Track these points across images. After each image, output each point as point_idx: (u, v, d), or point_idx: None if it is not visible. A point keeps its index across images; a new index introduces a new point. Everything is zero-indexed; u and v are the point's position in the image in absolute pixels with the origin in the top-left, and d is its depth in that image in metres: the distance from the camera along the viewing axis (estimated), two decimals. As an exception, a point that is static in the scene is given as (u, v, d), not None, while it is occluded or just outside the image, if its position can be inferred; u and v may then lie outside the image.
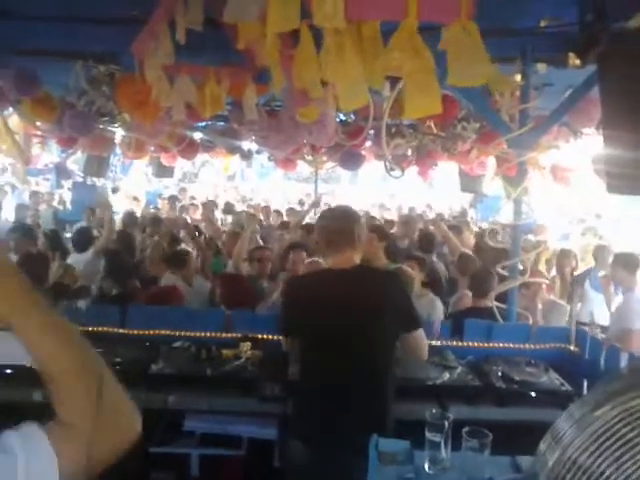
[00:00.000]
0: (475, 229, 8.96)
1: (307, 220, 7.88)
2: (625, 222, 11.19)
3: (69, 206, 11.44)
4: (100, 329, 3.61)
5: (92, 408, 0.99)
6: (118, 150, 8.08)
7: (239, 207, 12.19)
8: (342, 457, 2.34)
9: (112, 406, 1.02)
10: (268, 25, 2.37)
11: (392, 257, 4.95)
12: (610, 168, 2.55)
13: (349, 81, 2.46)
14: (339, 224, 2.62)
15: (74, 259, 5.90)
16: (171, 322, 3.63)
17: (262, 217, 9.96)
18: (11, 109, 5.70)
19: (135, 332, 3.62)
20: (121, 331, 3.63)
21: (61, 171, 11.48)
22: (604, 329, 4.53)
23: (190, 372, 3.16)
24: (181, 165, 12.80)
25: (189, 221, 9.03)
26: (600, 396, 1.31)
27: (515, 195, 3.90)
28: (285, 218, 10.03)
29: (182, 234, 7.30)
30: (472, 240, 7.24)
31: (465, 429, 1.79)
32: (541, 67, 3.98)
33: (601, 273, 5.70)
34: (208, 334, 3.60)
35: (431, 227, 7.71)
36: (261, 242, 6.72)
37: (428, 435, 1.86)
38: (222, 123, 6.96)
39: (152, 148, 7.83)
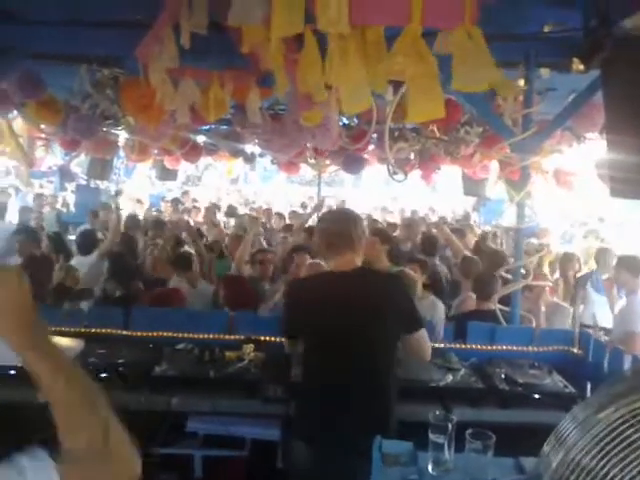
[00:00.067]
0: (478, 232, 8.95)
1: (310, 223, 7.88)
2: (628, 226, 11.18)
3: (72, 209, 11.46)
4: (103, 331, 3.62)
5: (95, 448, 1.01)
6: (122, 153, 8.11)
7: (242, 210, 12.19)
8: (345, 458, 2.34)
9: (115, 451, 1.04)
10: (272, 29, 2.39)
11: (395, 260, 4.95)
12: (613, 172, 2.56)
13: (352, 85, 2.48)
14: (339, 226, 2.62)
15: (78, 261, 5.92)
16: (174, 324, 3.64)
17: (264, 220, 9.96)
18: (15, 112, 5.74)
19: (138, 334, 3.63)
20: (124, 333, 3.63)
21: (65, 174, 11.52)
22: (607, 332, 4.52)
23: (193, 374, 3.17)
24: (184, 168, 12.81)
25: (192, 224, 9.04)
26: (604, 398, 1.32)
27: (518, 199, 3.91)
28: (288, 221, 10.04)
29: (184, 236, 7.32)
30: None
31: (468, 431, 1.80)
32: (544, 72, 3.98)
33: (604, 276, 5.70)
34: (211, 336, 3.61)
35: (434, 230, 7.72)
36: (265, 244, 6.72)
37: (432, 437, 1.87)
38: (225, 126, 6.98)
39: (155, 151, 7.86)
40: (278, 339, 3.46)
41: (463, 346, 3.56)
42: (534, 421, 2.81)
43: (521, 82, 3.93)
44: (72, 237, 8.59)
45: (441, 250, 6.72)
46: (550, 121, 4.01)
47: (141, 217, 9.84)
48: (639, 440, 1.15)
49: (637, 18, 2.46)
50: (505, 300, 4.02)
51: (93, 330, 3.63)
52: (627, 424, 1.19)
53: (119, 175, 11.68)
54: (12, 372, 3.01)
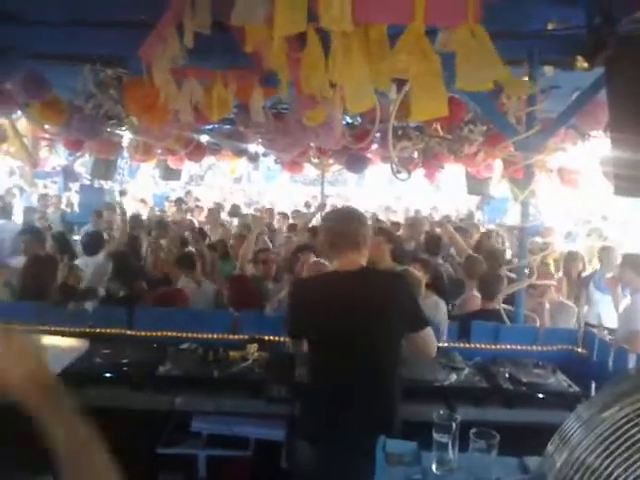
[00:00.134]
0: (483, 231, 8.94)
1: (313, 223, 7.88)
2: (632, 224, 11.14)
3: (76, 209, 11.50)
4: (108, 331, 3.63)
5: None
6: (125, 153, 8.12)
7: (246, 210, 12.21)
8: (349, 457, 2.34)
9: None
10: (275, 28, 2.39)
11: (398, 259, 4.95)
12: (618, 170, 2.55)
13: (356, 83, 2.48)
14: (344, 226, 2.61)
15: (84, 262, 5.95)
16: (178, 324, 3.65)
17: (267, 220, 9.97)
18: (20, 112, 5.75)
19: (142, 334, 3.63)
20: (129, 333, 3.64)
21: (69, 174, 11.56)
22: (612, 331, 4.52)
23: (197, 374, 3.17)
24: (188, 168, 12.84)
25: (196, 223, 9.06)
26: (608, 397, 1.31)
27: (522, 197, 3.90)
28: (291, 220, 10.05)
29: (186, 235, 7.35)
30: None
31: (472, 430, 1.79)
32: (548, 70, 3.97)
33: (609, 275, 5.69)
34: (215, 336, 3.61)
35: (438, 229, 7.71)
36: (269, 244, 6.74)
37: (436, 436, 1.86)
38: (229, 126, 6.98)
39: (159, 151, 7.87)
40: (282, 339, 3.47)
41: (467, 345, 3.55)
42: (538, 420, 2.80)
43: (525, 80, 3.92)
44: (76, 237, 8.63)
45: (445, 249, 6.72)
46: (554, 119, 3.99)
47: (145, 217, 9.88)
48: (644, 439, 1.15)
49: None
50: (510, 299, 4.01)
51: (97, 330, 3.64)
52: (632, 423, 1.18)
53: (123, 175, 11.71)
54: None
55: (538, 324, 3.93)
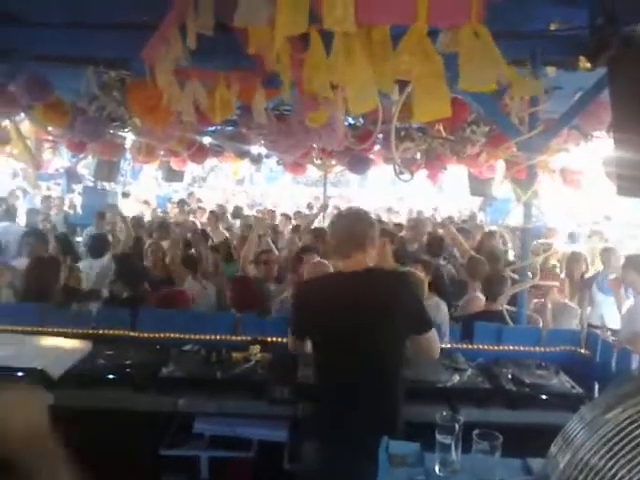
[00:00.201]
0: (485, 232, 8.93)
1: (315, 224, 7.89)
2: (635, 225, 11.13)
3: (79, 210, 11.52)
4: (111, 332, 3.63)
5: None
6: (128, 155, 8.14)
7: (249, 212, 12.22)
8: (352, 457, 2.34)
9: None
10: (277, 29, 2.39)
11: (400, 260, 4.95)
12: (620, 171, 2.55)
13: (359, 84, 2.48)
14: (350, 227, 2.61)
15: (89, 264, 5.98)
16: (181, 325, 3.65)
17: (269, 221, 9.97)
18: (23, 114, 5.76)
19: (145, 335, 3.63)
20: (132, 334, 3.64)
21: (72, 176, 11.58)
22: (615, 332, 4.50)
23: (200, 375, 3.17)
24: (190, 169, 12.86)
25: (198, 225, 9.08)
26: (611, 399, 1.31)
27: (525, 198, 3.90)
28: (293, 222, 10.05)
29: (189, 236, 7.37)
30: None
31: (475, 431, 1.79)
32: (551, 70, 3.97)
33: (612, 276, 5.68)
34: (218, 337, 3.61)
35: (440, 230, 7.71)
36: (273, 245, 6.74)
37: (439, 437, 1.86)
38: (231, 128, 6.99)
39: (162, 152, 7.88)
40: (284, 340, 3.47)
41: (470, 346, 3.55)
42: (541, 422, 2.80)
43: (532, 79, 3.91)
44: (79, 239, 8.66)
45: (448, 250, 6.72)
46: (556, 120, 3.99)
47: (148, 218, 9.90)
48: (647, 440, 1.14)
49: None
50: (513, 300, 4.00)
51: (101, 331, 3.64)
52: (635, 424, 1.18)
53: (126, 177, 11.73)
54: (20, 374, 3.02)
55: (541, 324, 3.91)
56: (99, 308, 4.02)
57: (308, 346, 2.75)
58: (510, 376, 3.17)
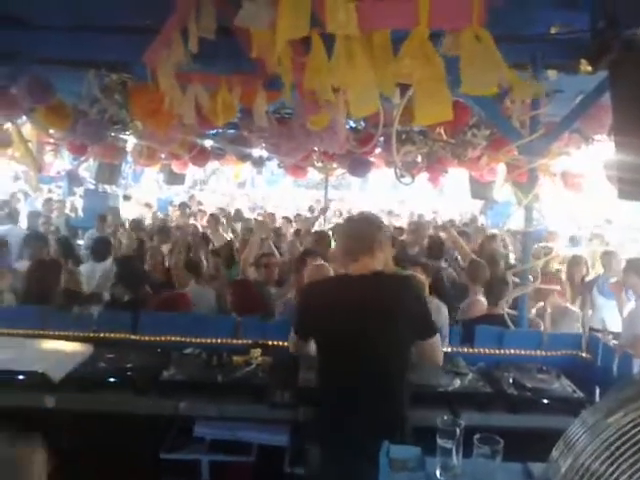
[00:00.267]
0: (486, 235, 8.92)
1: (316, 227, 7.89)
2: (636, 228, 11.12)
3: (81, 213, 11.53)
4: (112, 335, 3.64)
5: None
6: (129, 157, 8.14)
7: (250, 215, 12.22)
8: (354, 462, 2.34)
9: None
10: (278, 32, 2.40)
11: (401, 264, 4.95)
12: (621, 174, 2.54)
13: (360, 88, 2.48)
14: (359, 231, 2.62)
15: (92, 267, 5.99)
16: (182, 328, 3.65)
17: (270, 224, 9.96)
18: (25, 117, 5.77)
19: (146, 338, 3.63)
20: (133, 337, 3.64)
21: (73, 178, 11.59)
22: (616, 335, 4.50)
23: (201, 378, 3.17)
24: (192, 173, 12.86)
25: (199, 228, 9.08)
26: (613, 403, 1.31)
27: (526, 202, 3.89)
28: (294, 225, 10.05)
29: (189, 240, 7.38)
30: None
31: (476, 436, 1.78)
32: (552, 74, 3.97)
33: (613, 279, 5.67)
34: (219, 341, 3.61)
35: (442, 233, 7.71)
36: (275, 249, 6.75)
37: (439, 442, 1.86)
38: (232, 130, 6.99)
39: (163, 155, 7.89)
40: (285, 343, 3.46)
41: (471, 350, 3.54)
42: (542, 426, 2.79)
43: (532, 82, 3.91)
44: (80, 242, 8.67)
45: (449, 253, 6.71)
46: (558, 123, 3.99)
47: (149, 221, 9.91)
48: (649, 445, 1.14)
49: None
50: (514, 304, 4.00)
51: (102, 335, 3.64)
52: (637, 429, 1.17)
53: (127, 180, 11.73)
54: (21, 377, 3.02)
55: (542, 328, 3.91)
56: (100, 311, 4.03)
57: (310, 348, 2.76)
58: (511, 380, 3.16)
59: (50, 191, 13.76)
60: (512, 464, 1.91)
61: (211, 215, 10.06)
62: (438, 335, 2.59)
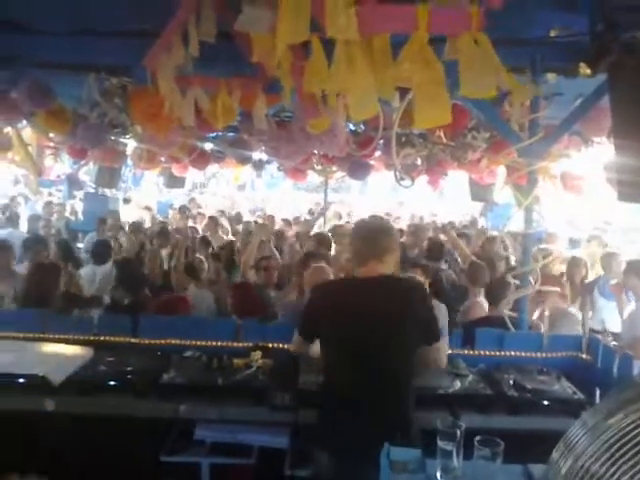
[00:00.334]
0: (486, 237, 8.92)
1: (316, 229, 7.89)
2: (635, 230, 11.12)
3: (81, 217, 11.53)
4: (112, 339, 3.64)
5: None
6: (129, 161, 8.15)
7: (251, 217, 12.22)
8: (363, 466, 2.32)
9: None
10: (278, 37, 2.40)
11: (400, 266, 4.95)
12: (621, 176, 2.55)
13: (360, 92, 2.49)
14: (369, 235, 2.64)
15: (92, 270, 6.00)
16: (182, 331, 3.65)
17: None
18: (25, 121, 5.78)
19: (147, 341, 3.64)
20: (133, 340, 3.65)
21: (73, 182, 11.60)
22: (616, 336, 4.49)
23: (201, 381, 3.17)
24: (192, 176, 12.86)
25: (199, 230, 9.08)
26: (613, 404, 1.31)
27: (526, 204, 3.90)
28: (294, 227, 10.05)
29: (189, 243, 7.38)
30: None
31: (477, 438, 1.79)
32: (551, 77, 3.98)
33: (613, 281, 5.68)
34: (219, 343, 3.61)
35: (441, 235, 7.71)
36: (276, 251, 6.75)
37: (440, 444, 1.86)
38: (232, 134, 7.00)
39: (163, 159, 7.90)
40: (286, 346, 3.47)
41: (471, 352, 3.54)
42: (543, 427, 2.80)
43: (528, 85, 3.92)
44: (80, 245, 8.67)
45: (449, 254, 6.72)
46: (557, 125, 3.99)
47: (148, 224, 9.91)
48: (649, 446, 1.14)
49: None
50: (514, 306, 4.00)
51: (102, 338, 3.64)
52: (637, 430, 1.18)
53: (127, 183, 11.74)
54: (21, 380, 3.03)
55: (542, 330, 3.91)
56: (100, 315, 4.03)
57: (312, 349, 2.76)
58: (511, 382, 3.17)
59: (50, 194, 13.75)
60: (512, 466, 1.91)
61: (210, 218, 10.06)
62: (443, 339, 2.61)
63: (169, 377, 3.17)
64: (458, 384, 3.16)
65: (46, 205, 11.20)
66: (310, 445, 2.62)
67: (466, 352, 3.54)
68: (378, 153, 7.19)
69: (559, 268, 6.23)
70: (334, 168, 8.52)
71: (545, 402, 3.01)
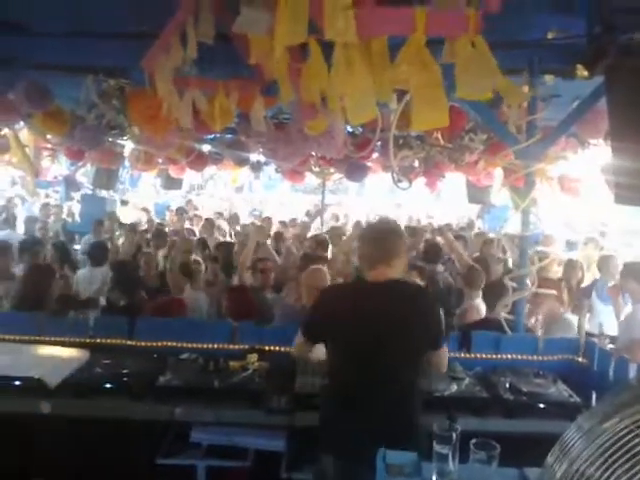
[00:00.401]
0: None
1: (312, 231, 7.89)
2: (633, 233, 11.14)
3: (78, 218, 11.51)
4: (108, 341, 3.63)
5: None
6: (127, 162, 8.14)
7: (248, 219, 12.22)
8: (361, 469, 2.32)
9: None
10: (276, 39, 2.41)
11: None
12: (618, 178, 2.55)
13: (358, 94, 2.48)
14: (378, 239, 2.64)
15: (90, 272, 5.98)
16: (178, 334, 3.64)
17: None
18: (22, 123, 5.77)
19: (143, 344, 3.63)
20: (129, 343, 3.64)
21: (70, 183, 11.56)
22: (613, 338, 4.49)
23: (197, 384, 3.17)
24: (189, 177, 12.86)
25: (196, 232, 9.07)
26: (608, 408, 1.31)
27: (523, 206, 3.90)
28: (290, 229, 10.05)
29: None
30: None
31: (473, 441, 1.79)
32: (548, 79, 3.98)
33: (610, 283, 5.67)
34: (215, 346, 3.61)
35: (438, 237, 7.71)
36: (275, 253, 6.74)
37: (436, 447, 1.86)
38: (230, 135, 7.00)
39: (160, 160, 7.88)
40: (282, 348, 3.46)
41: (467, 355, 3.54)
42: (539, 431, 2.79)
43: (525, 89, 3.93)
44: (77, 247, 8.66)
45: (446, 256, 6.71)
46: (554, 128, 4.00)
47: (145, 226, 9.90)
48: (644, 451, 1.14)
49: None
50: (510, 309, 4.00)
51: (98, 340, 3.64)
52: (632, 434, 1.18)
53: (125, 185, 11.72)
54: (17, 383, 3.02)
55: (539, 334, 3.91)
56: (96, 317, 4.02)
57: (312, 352, 2.76)
58: (508, 385, 3.17)
59: (47, 196, 13.74)
60: (508, 469, 1.91)
61: (206, 220, 10.04)
62: (445, 345, 2.61)
63: (165, 379, 3.16)
64: (454, 387, 3.16)
65: (43, 207, 11.18)
66: (311, 448, 2.61)
67: (463, 355, 3.54)
68: (375, 155, 7.17)
69: (556, 270, 6.23)
70: (332, 170, 8.51)
71: (541, 405, 3.02)
